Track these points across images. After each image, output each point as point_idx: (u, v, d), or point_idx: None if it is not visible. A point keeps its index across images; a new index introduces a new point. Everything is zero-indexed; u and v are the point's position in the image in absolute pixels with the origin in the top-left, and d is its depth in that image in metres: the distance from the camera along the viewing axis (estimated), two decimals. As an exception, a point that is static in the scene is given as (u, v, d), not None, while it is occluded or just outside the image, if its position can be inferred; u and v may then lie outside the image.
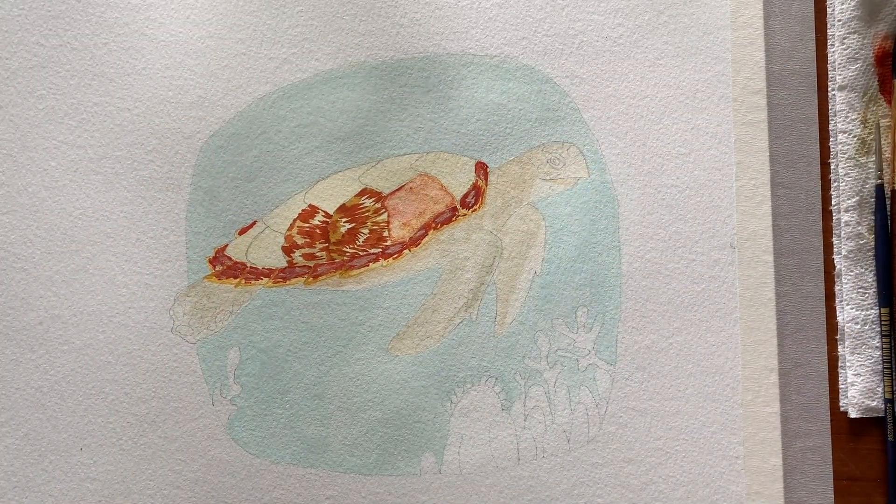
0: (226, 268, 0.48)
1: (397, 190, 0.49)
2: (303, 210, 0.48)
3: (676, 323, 0.48)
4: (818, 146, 0.49)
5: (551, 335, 0.48)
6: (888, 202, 0.47)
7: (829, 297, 0.48)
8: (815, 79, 0.49)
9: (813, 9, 0.49)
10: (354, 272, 0.48)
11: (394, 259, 0.48)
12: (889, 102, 0.48)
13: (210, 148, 0.48)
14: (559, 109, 0.49)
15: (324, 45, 0.49)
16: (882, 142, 0.47)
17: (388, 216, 0.49)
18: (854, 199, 0.47)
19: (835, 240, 0.48)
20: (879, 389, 0.46)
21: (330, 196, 0.48)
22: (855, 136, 0.48)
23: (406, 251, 0.48)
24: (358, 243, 0.48)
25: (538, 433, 0.47)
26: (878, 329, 0.47)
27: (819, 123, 0.49)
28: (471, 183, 0.49)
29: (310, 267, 0.48)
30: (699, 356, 0.47)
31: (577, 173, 0.48)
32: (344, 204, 0.48)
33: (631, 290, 0.48)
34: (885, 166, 0.47)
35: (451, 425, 0.47)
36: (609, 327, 0.48)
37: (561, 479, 0.46)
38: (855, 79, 0.48)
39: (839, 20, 0.48)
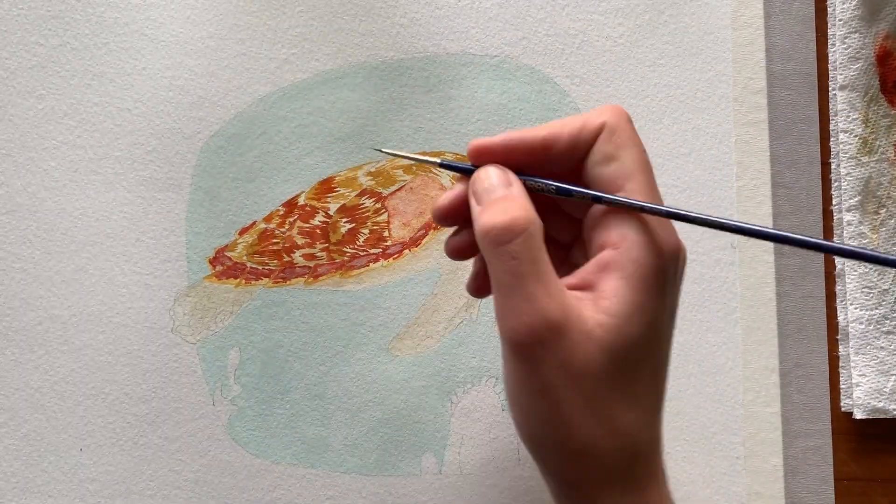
0: (226, 268, 0.48)
1: (397, 190, 0.49)
2: (303, 210, 0.48)
3: (677, 323, 0.47)
4: (819, 146, 0.49)
5: (552, 335, 0.48)
6: None
7: (830, 296, 0.48)
8: (816, 78, 0.49)
9: (813, 8, 0.49)
10: (354, 272, 0.48)
11: (394, 259, 0.48)
12: (890, 102, 0.48)
13: (210, 148, 0.48)
14: (559, 109, 0.49)
15: (324, 45, 0.49)
16: None
17: (389, 216, 0.48)
18: (856, 199, 0.47)
19: (836, 240, 0.48)
20: (886, 390, 0.46)
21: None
22: (856, 136, 0.48)
23: (406, 251, 0.48)
24: (358, 243, 0.48)
25: (539, 433, 0.47)
26: (884, 329, 0.47)
27: (820, 123, 0.49)
28: (471, 183, 0.48)
29: (310, 267, 0.48)
30: (700, 356, 0.47)
31: (578, 173, 0.48)
32: (344, 204, 0.48)
33: (631, 290, 0.48)
34: None
35: (451, 425, 0.47)
36: (610, 327, 0.48)
37: (562, 479, 0.46)
38: (856, 78, 0.48)
39: (840, 19, 0.48)
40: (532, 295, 0.32)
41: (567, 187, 0.35)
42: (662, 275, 0.33)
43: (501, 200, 0.34)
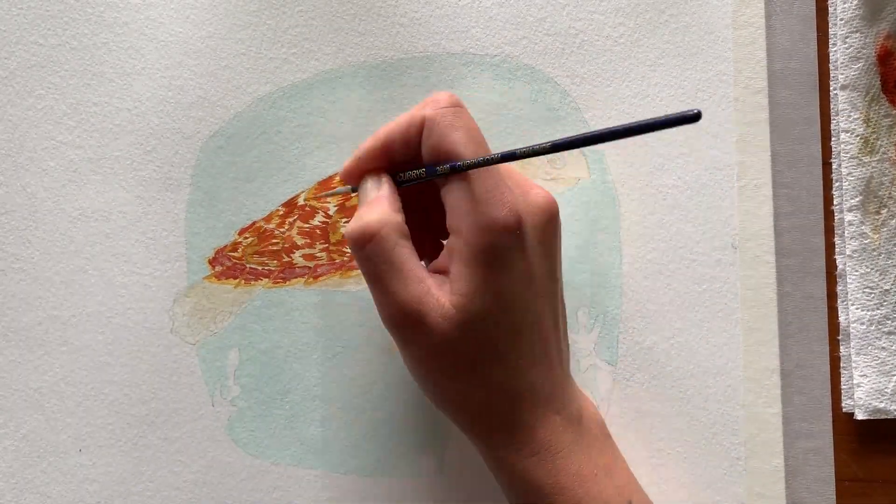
0: (225, 268, 0.48)
1: (397, 190, 0.49)
2: (303, 210, 0.48)
3: (678, 323, 0.47)
4: (820, 146, 0.48)
5: (552, 336, 0.48)
6: None
7: (832, 297, 0.48)
8: (817, 78, 0.49)
9: (814, 7, 0.49)
10: (355, 272, 0.48)
11: (394, 259, 0.48)
12: (891, 102, 0.47)
13: (210, 148, 0.48)
14: (560, 109, 0.49)
15: (324, 45, 0.49)
16: None
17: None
18: (857, 199, 0.47)
19: (837, 240, 0.48)
20: (887, 390, 0.46)
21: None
22: (857, 136, 0.47)
23: (406, 251, 0.48)
24: (358, 243, 0.48)
25: (539, 434, 0.47)
26: (885, 329, 0.47)
27: (821, 123, 0.49)
28: (471, 183, 0.48)
29: (310, 267, 0.48)
30: (700, 357, 0.47)
31: (578, 173, 0.48)
32: (344, 204, 0.48)
33: (632, 290, 0.48)
34: None
35: (451, 425, 0.47)
36: (610, 328, 0.48)
37: (562, 480, 0.46)
38: (857, 78, 0.48)
39: (841, 19, 0.48)
40: (389, 290, 0.38)
41: (420, 172, 0.40)
42: (494, 250, 0.38)
43: (366, 206, 0.40)
